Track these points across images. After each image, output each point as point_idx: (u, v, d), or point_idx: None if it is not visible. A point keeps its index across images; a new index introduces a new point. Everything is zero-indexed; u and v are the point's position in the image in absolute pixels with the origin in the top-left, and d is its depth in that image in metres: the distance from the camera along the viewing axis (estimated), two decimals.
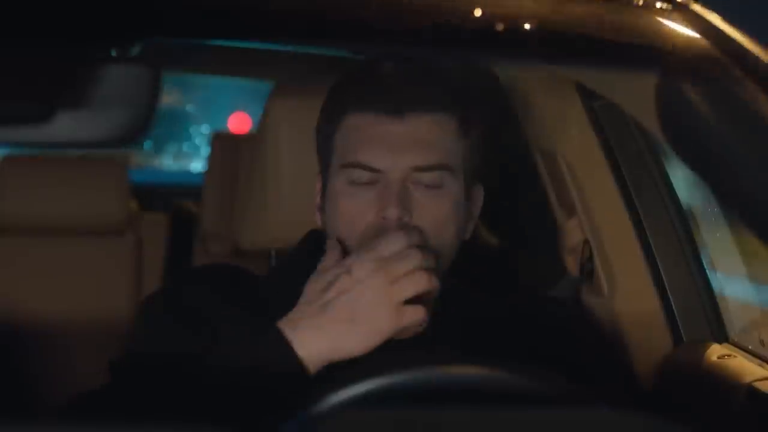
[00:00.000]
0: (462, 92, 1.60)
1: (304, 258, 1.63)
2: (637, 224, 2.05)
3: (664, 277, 2.03)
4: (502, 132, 2.39)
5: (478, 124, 1.60)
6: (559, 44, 1.33)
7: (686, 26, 1.30)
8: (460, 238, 1.59)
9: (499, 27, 1.29)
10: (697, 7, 1.35)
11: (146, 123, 1.12)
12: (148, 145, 7.76)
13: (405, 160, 1.54)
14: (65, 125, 1.12)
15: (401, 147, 1.54)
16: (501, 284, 2.22)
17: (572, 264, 2.14)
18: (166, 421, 1.34)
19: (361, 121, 1.56)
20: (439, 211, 1.55)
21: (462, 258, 1.63)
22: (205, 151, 7.68)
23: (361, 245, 1.51)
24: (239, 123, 7.91)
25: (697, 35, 1.29)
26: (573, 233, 2.12)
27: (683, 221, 2.06)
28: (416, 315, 1.44)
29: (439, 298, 1.58)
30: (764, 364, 1.82)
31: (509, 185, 2.47)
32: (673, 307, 2.02)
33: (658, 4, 1.32)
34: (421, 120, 1.55)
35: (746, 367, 1.81)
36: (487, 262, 2.43)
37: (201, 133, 8.94)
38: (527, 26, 1.30)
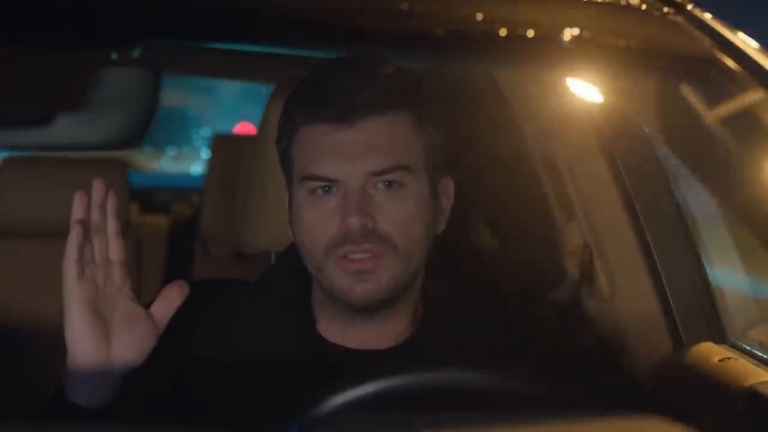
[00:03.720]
0: (412, 90, 1.59)
1: (284, 274, 1.65)
2: (637, 227, 2.05)
3: (664, 280, 2.03)
4: (501, 132, 2.39)
5: (433, 118, 1.60)
6: (559, 47, 1.33)
7: (686, 28, 1.30)
8: (430, 235, 1.60)
9: (501, 31, 1.30)
10: (696, 10, 1.35)
11: (146, 125, 1.12)
12: (148, 147, 7.77)
13: (361, 167, 1.54)
14: (66, 128, 1.13)
15: (355, 154, 1.54)
16: (500, 287, 2.22)
17: (572, 267, 2.14)
18: (168, 423, 1.34)
19: (313, 133, 1.57)
20: (403, 212, 1.55)
21: (460, 259, 1.63)
22: (204, 153, 7.69)
23: (328, 255, 1.53)
24: (245, 132, 7.91)
25: (696, 37, 1.29)
26: (573, 236, 2.12)
27: (683, 223, 2.05)
28: None
29: (427, 300, 1.59)
30: (764, 366, 1.82)
31: (509, 187, 2.47)
32: (674, 310, 2.02)
33: (659, 7, 1.32)
34: (371, 124, 1.55)
35: (747, 370, 1.81)
36: (486, 264, 2.43)
37: (201, 136, 8.95)
38: (528, 30, 1.30)
